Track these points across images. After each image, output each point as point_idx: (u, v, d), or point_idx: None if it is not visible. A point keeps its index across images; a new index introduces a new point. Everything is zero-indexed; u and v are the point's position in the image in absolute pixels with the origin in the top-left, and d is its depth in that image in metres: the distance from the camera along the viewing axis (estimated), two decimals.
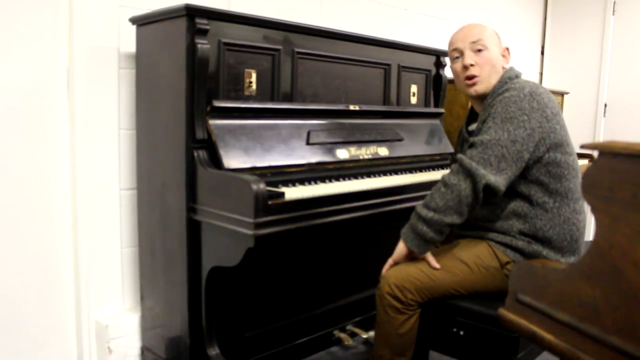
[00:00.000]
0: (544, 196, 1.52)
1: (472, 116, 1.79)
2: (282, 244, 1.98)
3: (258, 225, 1.48)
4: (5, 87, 1.78)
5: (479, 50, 1.62)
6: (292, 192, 1.60)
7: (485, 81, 1.62)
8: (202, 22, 1.63)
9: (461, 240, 1.64)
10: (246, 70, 1.80)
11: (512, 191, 1.52)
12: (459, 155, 1.49)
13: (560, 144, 1.51)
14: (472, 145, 1.49)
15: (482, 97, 1.65)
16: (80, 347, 2.01)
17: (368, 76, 2.24)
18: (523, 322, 1.15)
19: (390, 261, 1.58)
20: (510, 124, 1.45)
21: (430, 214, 1.45)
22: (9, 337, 1.85)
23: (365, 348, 2.32)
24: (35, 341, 1.92)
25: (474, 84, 1.63)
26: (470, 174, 1.42)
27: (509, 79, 1.60)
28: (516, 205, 1.54)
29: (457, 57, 1.66)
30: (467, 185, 1.42)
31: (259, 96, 1.84)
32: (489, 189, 1.42)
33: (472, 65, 1.62)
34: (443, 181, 1.48)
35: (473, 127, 1.72)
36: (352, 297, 2.32)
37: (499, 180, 1.43)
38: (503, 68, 1.65)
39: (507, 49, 1.70)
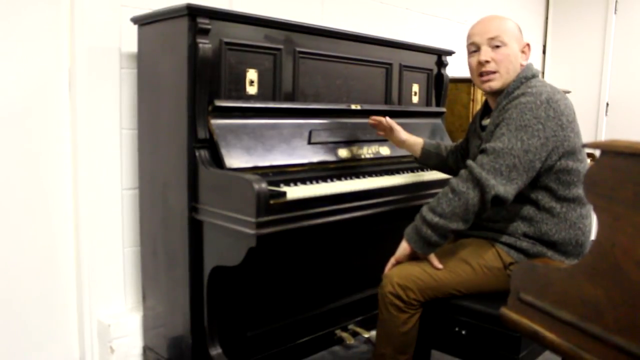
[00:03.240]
0: (551, 201, 1.49)
1: (486, 110, 1.74)
2: (284, 243, 1.98)
3: (260, 225, 1.48)
4: (7, 86, 1.78)
5: (497, 47, 1.56)
6: (294, 192, 1.60)
7: (502, 78, 1.57)
8: (203, 22, 1.63)
9: (465, 240, 1.62)
10: (248, 69, 1.80)
11: (520, 195, 1.48)
12: (469, 162, 1.45)
13: (572, 152, 1.48)
14: (483, 151, 1.46)
15: (497, 93, 1.60)
16: (82, 347, 2.01)
17: (370, 75, 2.24)
18: (525, 321, 1.15)
19: (392, 260, 1.58)
20: (525, 132, 1.41)
21: (436, 219, 1.44)
22: (11, 337, 1.85)
23: (367, 347, 2.31)
24: (38, 341, 1.92)
25: (489, 80, 1.58)
26: (479, 184, 1.40)
27: (524, 78, 1.55)
28: (523, 208, 1.51)
29: (474, 52, 1.61)
30: (476, 194, 1.40)
31: (261, 96, 1.84)
32: (498, 199, 1.40)
33: (487, 61, 1.57)
34: (451, 187, 1.45)
35: (487, 122, 1.68)
36: (354, 297, 2.32)
37: (508, 190, 1.41)
38: (521, 65, 1.59)
39: (528, 44, 1.62)
